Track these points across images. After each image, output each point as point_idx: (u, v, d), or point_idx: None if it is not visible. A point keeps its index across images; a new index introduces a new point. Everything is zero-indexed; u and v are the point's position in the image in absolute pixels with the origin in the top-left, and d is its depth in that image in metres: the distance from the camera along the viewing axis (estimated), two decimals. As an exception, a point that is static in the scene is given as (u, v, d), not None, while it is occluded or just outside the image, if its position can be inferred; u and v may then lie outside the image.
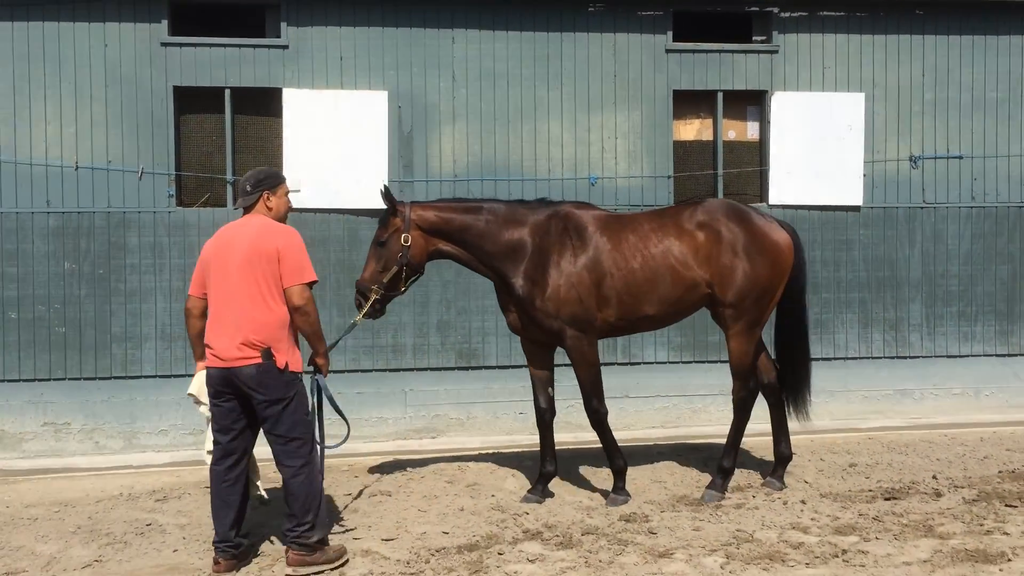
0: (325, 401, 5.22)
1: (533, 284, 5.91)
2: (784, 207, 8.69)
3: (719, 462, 6.18)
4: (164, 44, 7.90)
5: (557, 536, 5.31)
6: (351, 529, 5.51)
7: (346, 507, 5.97)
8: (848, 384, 8.87)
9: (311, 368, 5.15)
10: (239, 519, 4.91)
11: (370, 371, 8.26)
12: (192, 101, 8.10)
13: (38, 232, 7.80)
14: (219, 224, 7.99)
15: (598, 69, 8.45)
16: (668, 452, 7.43)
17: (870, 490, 6.17)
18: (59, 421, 7.87)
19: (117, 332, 7.92)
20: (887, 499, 5.96)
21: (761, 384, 6.37)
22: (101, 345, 7.90)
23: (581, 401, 8.46)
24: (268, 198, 4.94)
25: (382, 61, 8.18)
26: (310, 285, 4.80)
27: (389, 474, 6.79)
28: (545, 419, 6.24)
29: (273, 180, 5.00)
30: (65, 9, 7.77)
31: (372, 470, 6.92)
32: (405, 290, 6.01)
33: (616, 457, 6.09)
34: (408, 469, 6.92)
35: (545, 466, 6.18)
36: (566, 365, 8.40)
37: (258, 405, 4.74)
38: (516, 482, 6.51)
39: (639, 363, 8.60)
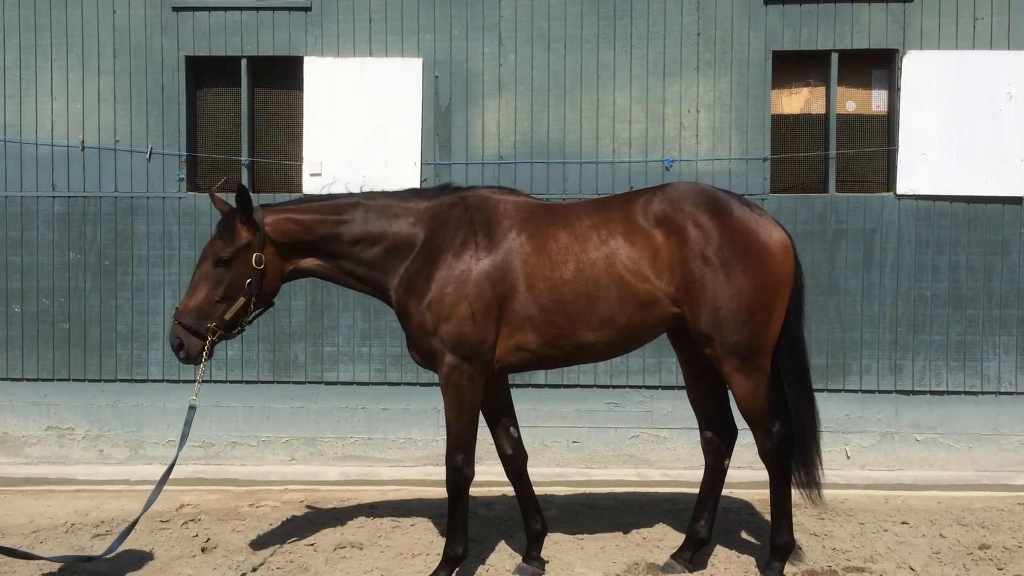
0: None
1: (409, 290, 4.43)
2: (917, 197, 6.85)
3: (771, 539, 4.56)
4: (176, 8, 7.02)
5: (530, 635, 3.94)
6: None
7: (297, 564, 4.82)
8: (1000, 426, 6.92)
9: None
10: None
11: (398, 384, 7.11)
12: (206, 73, 7.20)
13: (43, 218, 7.13)
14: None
15: (677, 27, 6.90)
16: (739, 507, 5.85)
17: (999, 593, 4.42)
18: (63, 426, 7.19)
19: (123, 330, 7.14)
20: (1022, 611, 4.21)
21: None
22: (106, 344, 7.15)
23: (644, 430, 7.09)
24: None
25: (417, 23, 6.97)
26: None
27: (376, 517, 5.60)
28: (514, 467, 4.74)
29: None
30: (71, -28, 7.04)
31: (360, 509, 5.77)
32: (246, 328, 4.54)
33: (454, 542, 4.46)
34: (403, 511, 5.72)
35: (530, 524, 4.75)
36: (623, 387, 7.06)
37: None
38: (524, 540, 5.14)
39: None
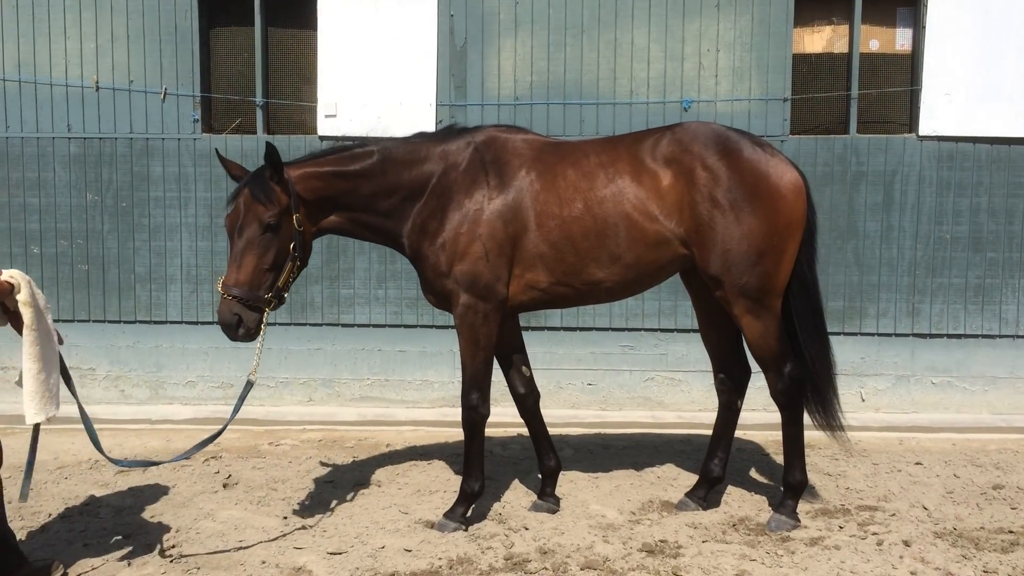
0: None
1: (422, 232, 4.42)
2: (940, 139, 6.75)
3: (784, 477, 4.60)
4: (188, -54, 6.94)
5: (546, 569, 4.01)
6: (298, 530, 4.43)
7: (316, 500, 4.90)
8: (1017, 370, 6.91)
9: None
10: None
11: (414, 327, 7.14)
12: (219, 11, 7.11)
13: (59, 159, 7.13)
14: (249, 154, 7.13)
15: (697, -37, 6.76)
16: (752, 448, 5.89)
17: (1011, 531, 4.44)
18: (84, 366, 7.26)
19: (141, 272, 7.18)
20: (1035, 549, 4.24)
21: None
22: (125, 286, 7.20)
23: (659, 373, 7.12)
24: None
25: (432, -41, 6.86)
26: None
27: (393, 456, 5.68)
28: (527, 406, 4.79)
29: None
30: (81, -92, 6.93)
31: (378, 448, 5.85)
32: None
33: (471, 478, 4.51)
34: (420, 451, 5.80)
35: (544, 462, 4.81)
36: (638, 329, 7.06)
37: None
38: (539, 479, 5.21)
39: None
